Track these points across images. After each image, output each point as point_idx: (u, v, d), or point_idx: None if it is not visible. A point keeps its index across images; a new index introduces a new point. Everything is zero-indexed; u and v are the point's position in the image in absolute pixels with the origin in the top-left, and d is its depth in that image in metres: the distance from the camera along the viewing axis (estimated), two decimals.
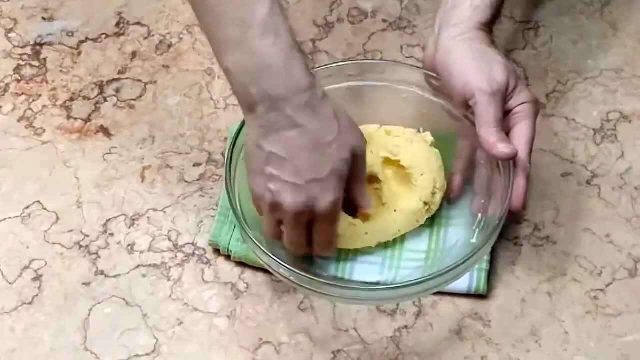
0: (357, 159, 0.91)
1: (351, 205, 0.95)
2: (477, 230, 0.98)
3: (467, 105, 0.96)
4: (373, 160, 0.99)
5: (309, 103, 0.87)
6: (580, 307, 0.98)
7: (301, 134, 0.87)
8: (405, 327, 0.98)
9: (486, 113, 0.94)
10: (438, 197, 1.00)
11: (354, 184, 0.93)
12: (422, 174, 0.99)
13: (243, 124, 0.97)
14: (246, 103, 0.88)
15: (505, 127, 0.96)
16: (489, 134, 0.94)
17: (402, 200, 0.99)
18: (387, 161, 1.01)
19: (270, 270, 0.94)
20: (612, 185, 1.06)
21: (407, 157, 1.00)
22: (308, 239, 0.93)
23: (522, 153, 0.95)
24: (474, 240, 0.97)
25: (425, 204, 0.99)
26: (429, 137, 1.02)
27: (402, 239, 1.00)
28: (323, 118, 0.87)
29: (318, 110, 0.87)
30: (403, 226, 0.99)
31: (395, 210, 0.98)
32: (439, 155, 1.01)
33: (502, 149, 0.94)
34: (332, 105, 0.89)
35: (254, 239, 0.92)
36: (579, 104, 1.13)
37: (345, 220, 0.97)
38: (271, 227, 0.93)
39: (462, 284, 0.97)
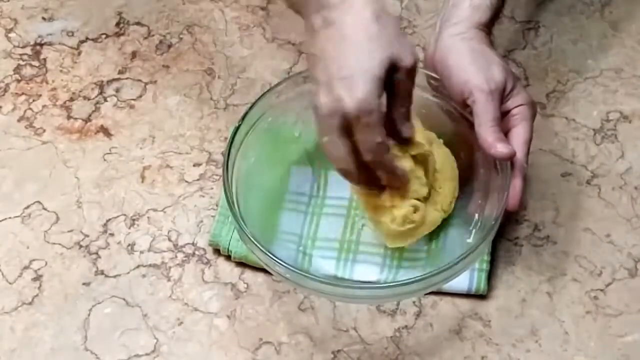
0: (398, 73, 0.86)
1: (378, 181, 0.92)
2: (474, 230, 0.98)
3: (465, 104, 0.96)
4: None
5: (344, 0, 0.85)
6: (580, 307, 0.98)
7: (335, 30, 0.85)
8: (405, 327, 0.98)
9: (484, 112, 0.94)
10: (452, 205, 0.99)
11: (394, 105, 0.88)
12: (445, 181, 0.99)
13: (240, 123, 0.97)
14: (302, 12, 0.88)
15: (503, 128, 0.96)
16: (488, 133, 0.94)
17: (428, 211, 0.97)
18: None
19: (269, 270, 0.94)
20: (612, 185, 1.06)
21: (436, 160, 0.99)
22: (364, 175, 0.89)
23: (520, 153, 0.95)
24: (470, 240, 0.97)
25: (445, 212, 0.99)
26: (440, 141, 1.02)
27: None
28: (360, 15, 0.84)
29: (355, 7, 0.85)
30: (422, 235, 0.98)
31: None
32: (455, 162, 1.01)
33: (500, 148, 0.94)
34: (376, 8, 0.85)
35: (251, 238, 0.92)
36: (579, 104, 1.13)
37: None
38: (326, 142, 0.87)
39: (462, 284, 0.97)
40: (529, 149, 0.96)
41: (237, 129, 0.97)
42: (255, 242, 0.91)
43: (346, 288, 0.94)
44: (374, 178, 0.91)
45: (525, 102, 0.97)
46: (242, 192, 0.96)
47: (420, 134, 0.95)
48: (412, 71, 0.87)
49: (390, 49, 0.85)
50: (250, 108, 0.98)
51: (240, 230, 0.93)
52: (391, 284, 0.94)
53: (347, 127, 0.85)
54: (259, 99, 0.98)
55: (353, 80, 0.83)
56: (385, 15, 0.86)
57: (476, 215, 0.98)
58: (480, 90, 0.95)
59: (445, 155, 1.00)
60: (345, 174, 0.89)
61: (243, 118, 0.97)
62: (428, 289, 0.93)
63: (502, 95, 0.96)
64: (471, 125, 0.96)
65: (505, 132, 0.96)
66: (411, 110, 0.90)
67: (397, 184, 0.92)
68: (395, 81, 0.87)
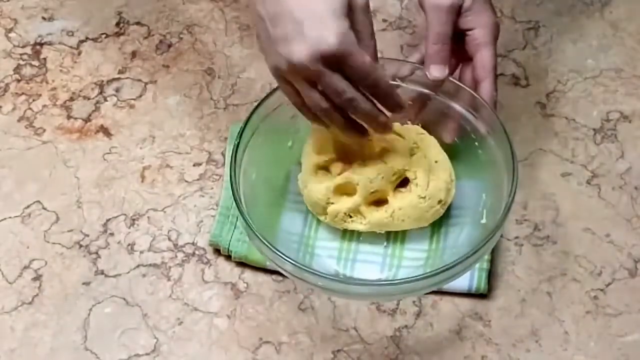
0: (354, 13, 0.86)
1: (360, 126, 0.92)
2: (485, 210, 0.98)
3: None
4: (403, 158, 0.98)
5: None
6: (580, 307, 0.98)
7: None
8: (406, 326, 0.98)
9: (430, 27, 0.97)
10: (452, 192, 0.99)
11: (360, 42, 0.86)
12: (435, 161, 0.99)
13: (246, 123, 0.97)
14: None
15: (465, 53, 0.99)
16: (428, 53, 0.97)
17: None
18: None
19: (275, 266, 0.94)
20: (612, 185, 1.06)
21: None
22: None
23: (488, 82, 0.98)
24: (484, 221, 0.97)
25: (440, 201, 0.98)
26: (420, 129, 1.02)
27: (403, 238, 1.00)
28: None
29: None
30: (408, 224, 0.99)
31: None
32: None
33: (433, 71, 0.97)
34: None
35: (257, 234, 0.91)
36: (579, 104, 1.13)
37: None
38: (300, 99, 0.88)
39: (462, 283, 0.97)
40: (496, 74, 0.98)
41: (243, 127, 0.97)
42: (263, 240, 0.91)
43: (351, 285, 0.93)
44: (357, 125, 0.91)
45: (485, 25, 0.98)
46: (247, 191, 0.96)
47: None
48: (367, 7, 0.86)
49: None
50: (246, 123, 0.97)
51: (247, 227, 0.92)
52: (396, 281, 0.93)
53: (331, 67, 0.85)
54: (251, 114, 0.97)
55: (324, 20, 0.83)
56: None
57: (483, 195, 0.98)
58: (430, 3, 0.96)
59: (429, 139, 1.01)
60: (334, 119, 0.89)
61: (240, 135, 0.97)
62: (432, 287, 0.93)
63: (457, 12, 0.97)
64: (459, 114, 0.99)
65: (468, 57, 0.99)
66: (372, 38, 0.88)
67: (396, 110, 0.91)
68: (354, 22, 0.86)
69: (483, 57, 0.98)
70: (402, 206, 0.97)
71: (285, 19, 0.84)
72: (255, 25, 0.88)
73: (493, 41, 0.99)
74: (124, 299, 1.00)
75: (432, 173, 0.98)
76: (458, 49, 1.00)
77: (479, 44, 0.98)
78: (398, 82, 1.02)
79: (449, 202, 0.99)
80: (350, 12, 0.85)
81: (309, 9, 0.83)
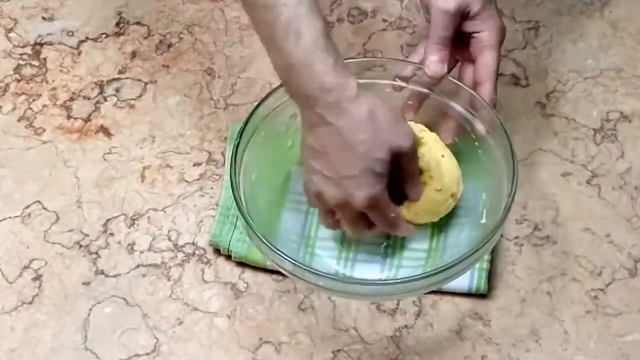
0: (402, 157, 0.90)
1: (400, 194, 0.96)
2: (485, 210, 0.98)
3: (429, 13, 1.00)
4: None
5: (338, 102, 0.87)
6: (580, 306, 0.98)
7: (333, 132, 0.87)
8: (406, 326, 0.98)
9: (432, 28, 0.98)
10: (461, 186, 0.99)
11: (404, 179, 0.93)
12: (443, 156, 0.99)
13: (246, 123, 0.97)
14: (296, 101, 0.90)
15: (469, 54, 1.00)
16: (428, 50, 0.98)
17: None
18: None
19: (275, 266, 0.94)
20: (612, 185, 1.06)
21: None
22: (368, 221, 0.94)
23: (489, 84, 0.98)
24: (484, 221, 0.97)
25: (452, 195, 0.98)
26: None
27: (403, 238, 1.00)
28: (354, 118, 0.87)
29: (349, 110, 0.87)
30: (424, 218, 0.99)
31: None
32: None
33: (431, 66, 0.98)
34: (369, 104, 0.88)
35: (257, 233, 0.91)
36: (579, 103, 1.13)
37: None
38: (325, 216, 0.95)
39: (462, 283, 0.97)
40: (497, 77, 0.99)
41: (243, 127, 0.97)
42: (262, 238, 0.91)
43: (351, 284, 0.93)
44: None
45: (492, 29, 0.99)
46: (247, 188, 0.96)
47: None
48: (411, 154, 0.91)
49: (388, 143, 0.88)
50: (246, 123, 0.97)
51: (247, 226, 0.92)
52: (396, 281, 0.93)
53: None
54: (251, 114, 0.97)
55: (359, 180, 0.88)
56: (377, 107, 0.88)
57: (483, 195, 0.98)
58: (436, 6, 0.97)
59: (436, 138, 1.00)
60: (361, 234, 0.96)
61: (240, 135, 0.97)
62: (432, 287, 0.93)
63: (462, 16, 0.98)
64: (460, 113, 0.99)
65: (471, 60, 1.00)
66: (415, 175, 0.94)
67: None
68: (401, 164, 0.91)
69: (487, 59, 0.99)
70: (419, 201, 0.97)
71: (327, 162, 0.89)
72: (302, 144, 0.92)
73: (498, 45, 0.99)
74: (124, 299, 1.00)
75: (441, 166, 0.98)
76: (462, 50, 1.00)
77: (484, 47, 0.99)
78: (400, 83, 1.02)
79: (459, 196, 0.98)
80: (396, 157, 0.89)
81: (349, 166, 0.88)
